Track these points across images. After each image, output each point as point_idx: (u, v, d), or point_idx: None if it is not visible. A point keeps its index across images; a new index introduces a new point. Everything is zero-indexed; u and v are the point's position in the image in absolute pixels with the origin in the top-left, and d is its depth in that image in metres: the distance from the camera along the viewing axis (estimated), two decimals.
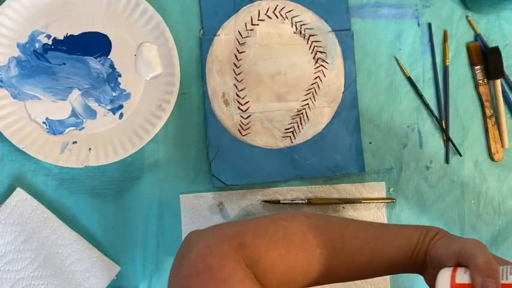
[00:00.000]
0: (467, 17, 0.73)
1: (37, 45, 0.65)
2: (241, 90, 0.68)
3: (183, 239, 0.67)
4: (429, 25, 0.73)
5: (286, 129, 0.69)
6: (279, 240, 0.46)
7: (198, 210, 0.68)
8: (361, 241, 0.47)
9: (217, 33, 0.68)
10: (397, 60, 0.72)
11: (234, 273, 0.42)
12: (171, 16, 0.67)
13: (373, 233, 0.49)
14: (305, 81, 0.69)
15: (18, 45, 0.64)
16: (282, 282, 0.46)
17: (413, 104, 0.72)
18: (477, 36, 0.74)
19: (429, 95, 0.72)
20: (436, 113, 0.72)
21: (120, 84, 0.66)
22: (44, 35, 0.65)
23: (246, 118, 0.68)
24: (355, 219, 0.48)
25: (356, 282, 0.69)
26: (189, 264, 0.44)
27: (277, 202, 0.68)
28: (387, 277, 0.70)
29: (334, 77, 0.70)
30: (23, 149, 0.63)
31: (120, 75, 0.66)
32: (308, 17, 0.69)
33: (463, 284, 0.40)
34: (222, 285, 0.41)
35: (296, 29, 0.69)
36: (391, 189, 0.71)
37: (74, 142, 0.65)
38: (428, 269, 0.46)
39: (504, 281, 0.39)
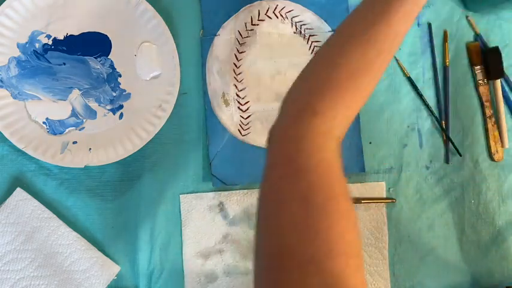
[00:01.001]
0: (467, 17, 0.73)
1: (37, 45, 0.65)
2: (241, 90, 0.68)
3: (183, 239, 0.67)
4: (429, 25, 0.73)
5: None
6: (347, 82, 0.45)
7: (198, 210, 0.68)
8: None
9: (217, 33, 0.68)
10: (397, 60, 0.72)
11: (308, 159, 0.41)
12: (171, 16, 0.67)
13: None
14: None
15: (18, 45, 0.64)
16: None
17: (413, 104, 0.72)
18: (477, 36, 0.74)
19: (429, 95, 0.72)
20: (436, 113, 0.72)
21: (120, 84, 0.66)
22: (44, 35, 0.65)
23: (246, 118, 0.68)
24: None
25: None
26: (269, 156, 0.44)
27: None
28: (387, 277, 0.70)
29: None
30: (23, 149, 0.63)
31: (120, 75, 0.66)
32: (308, 17, 0.69)
33: None
34: (298, 173, 0.41)
35: (296, 29, 0.69)
36: (391, 189, 0.71)
37: (74, 142, 0.65)
38: None
39: None
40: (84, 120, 0.66)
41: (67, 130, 0.65)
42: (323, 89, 0.44)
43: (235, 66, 0.68)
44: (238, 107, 0.68)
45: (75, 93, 0.66)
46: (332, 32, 0.70)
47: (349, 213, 0.40)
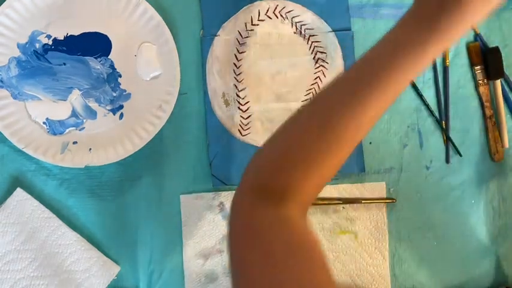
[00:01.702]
0: None
1: (37, 45, 0.65)
2: (241, 90, 0.68)
3: (183, 239, 0.67)
4: None
5: None
6: (299, 163, 0.45)
7: (198, 210, 0.68)
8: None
9: (217, 33, 0.68)
10: None
11: (261, 222, 0.42)
12: (171, 16, 0.67)
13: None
14: (305, 81, 0.69)
15: (18, 45, 0.64)
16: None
17: (413, 104, 0.72)
18: (477, 36, 0.74)
19: (429, 95, 0.72)
20: (436, 113, 0.72)
21: (120, 84, 0.66)
22: (44, 35, 0.65)
23: (246, 118, 0.68)
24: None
25: (357, 283, 0.69)
26: (229, 224, 0.45)
27: None
28: (387, 277, 0.70)
29: None
30: (23, 149, 0.63)
31: (120, 76, 0.66)
32: (308, 17, 0.69)
33: None
34: (255, 241, 0.41)
35: (296, 29, 0.69)
36: (391, 189, 0.71)
37: (74, 142, 0.65)
38: None
39: None
40: (84, 120, 0.66)
41: (67, 130, 0.65)
42: (296, 161, 0.45)
43: (235, 66, 0.68)
44: (238, 107, 0.68)
45: (75, 94, 0.66)
46: (332, 33, 0.70)
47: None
